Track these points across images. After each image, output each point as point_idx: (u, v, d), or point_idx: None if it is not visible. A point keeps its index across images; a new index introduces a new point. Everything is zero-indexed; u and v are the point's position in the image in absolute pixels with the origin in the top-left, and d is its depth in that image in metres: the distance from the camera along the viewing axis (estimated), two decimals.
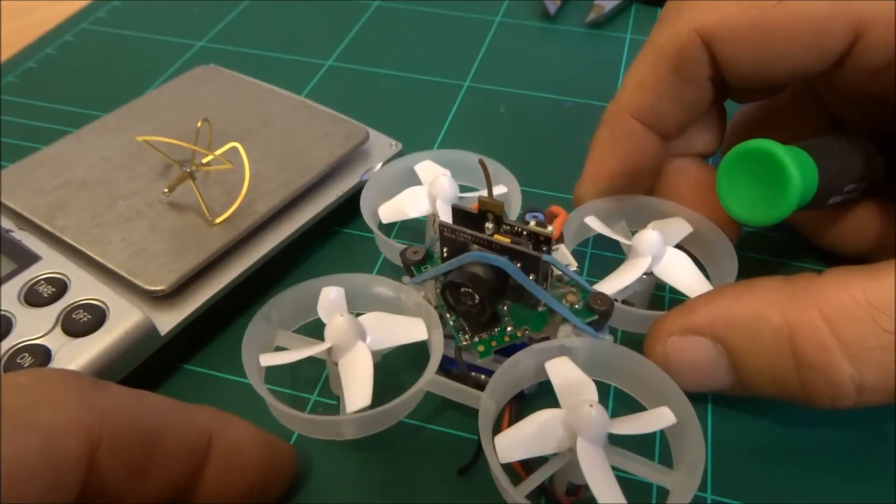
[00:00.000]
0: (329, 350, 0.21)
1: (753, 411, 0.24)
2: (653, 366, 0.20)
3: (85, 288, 0.25)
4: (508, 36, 0.44)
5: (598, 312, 0.21)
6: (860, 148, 0.24)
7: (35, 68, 0.41)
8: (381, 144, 0.33)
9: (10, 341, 0.23)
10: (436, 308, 0.22)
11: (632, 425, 0.19)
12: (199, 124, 0.30)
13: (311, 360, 0.21)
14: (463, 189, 0.27)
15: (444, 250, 0.22)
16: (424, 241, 0.27)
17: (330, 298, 0.22)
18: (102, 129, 0.31)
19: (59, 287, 0.25)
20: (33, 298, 0.24)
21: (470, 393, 0.20)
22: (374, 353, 0.21)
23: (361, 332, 0.21)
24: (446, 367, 0.23)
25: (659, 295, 0.28)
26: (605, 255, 0.29)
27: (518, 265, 0.20)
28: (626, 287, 0.23)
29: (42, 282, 0.25)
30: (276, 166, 0.29)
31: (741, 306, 0.21)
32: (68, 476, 0.15)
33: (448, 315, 0.22)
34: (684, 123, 0.26)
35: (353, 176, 0.31)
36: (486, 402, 0.19)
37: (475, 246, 0.21)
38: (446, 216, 0.24)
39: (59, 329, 0.23)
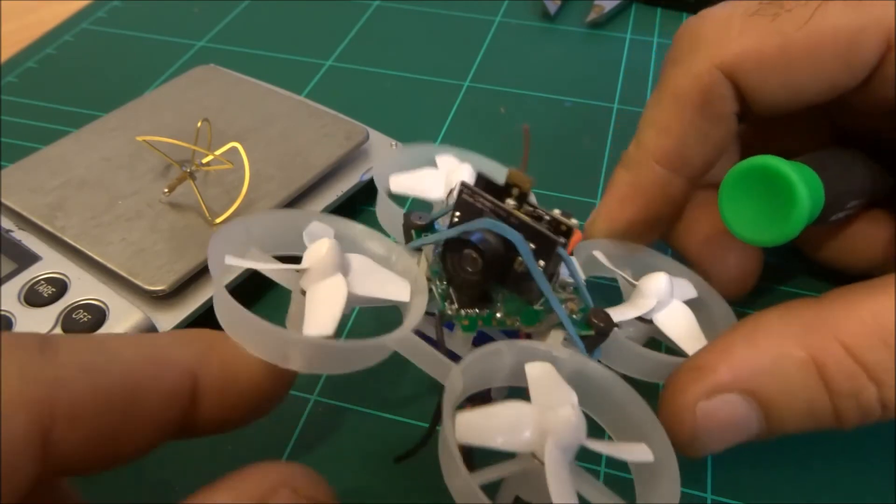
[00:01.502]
0: (303, 274, 0.18)
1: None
2: (643, 404, 0.19)
3: (85, 288, 0.25)
4: (508, 36, 0.44)
5: (595, 329, 0.19)
6: (861, 163, 0.24)
7: (35, 68, 0.41)
8: (381, 144, 0.33)
9: None
10: (429, 281, 0.20)
11: (606, 448, 0.17)
12: (198, 124, 0.30)
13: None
14: None
15: (457, 214, 0.20)
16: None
17: (317, 230, 0.20)
18: (102, 129, 0.31)
19: (59, 287, 0.25)
20: (33, 298, 0.24)
21: (441, 361, 0.18)
22: (351, 298, 0.18)
23: (344, 265, 0.19)
24: (423, 336, 0.20)
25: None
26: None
27: (532, 247, 0.19)
28: (623, 324, 0.22)
29: (42, 282, 0.25)
30: (276, 166, 0.29)
31: (760, 351, 0.20)
32: (17, 465, 0.14)
33: (438, 283, 0.20)
34: (711, 163, 0.24)
35: (353, 176, 0.31)
36: (456, 376, 0.17)
37: (492, 216, 0.19)
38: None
39: (59, 329, 0.24)
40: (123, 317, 0.24)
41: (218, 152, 0.29)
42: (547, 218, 0.20)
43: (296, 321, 0.19)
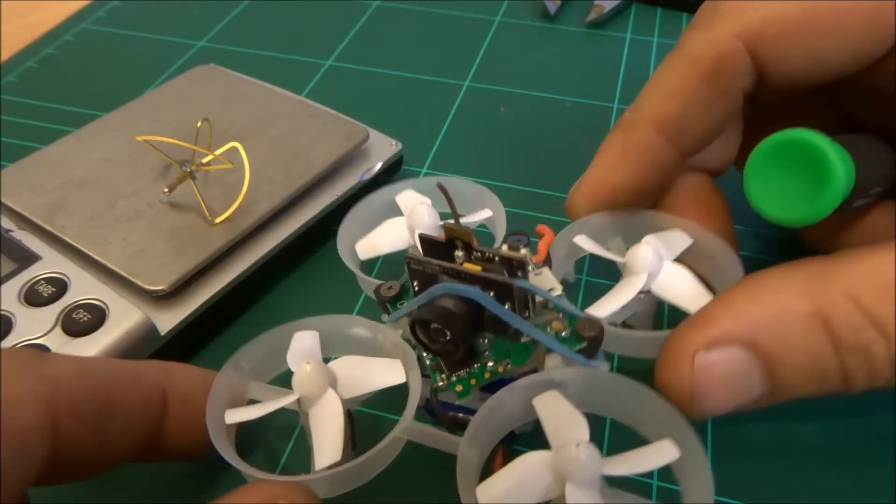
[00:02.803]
0: (298, 401, 0.19)
1: (753, 411, 0.24)
2: (654, 395, 0.18)
3: (85, 288, 0.25)
4: (508, 36, 0.44)
5: (587, 339, 0.19)
6: (886, 149, 0.23)
7: (35, 68, 0.41)
8: (381, 144, 0.32)
9: (10, 341, 0.23)
10: (414, 347, 0.20)
11: (629, 465, 0.17)
12: (198, 124, 0.30)
13: (285, 409, 0.20)
14: (446, 216, 0.24)
15: (415, 284, 0.20)
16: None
17: (302, 345, 0.20)
18: (102, 129, 0.31)
19: (59, 287, 0.25)
20: (33, 298, 0.24)
21: (450, 440, 0.18)
22: (349, 401, 0.20)
23: (331, 379, 0.20)
24: (431, 409, 0.21)
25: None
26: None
27: (491, 294, 0.19)
28: (624, 308, 0.21)
29: (42, 282, 0.25)
30: (276, 166, 0.29)
31: (763, 303, 0.19)
32: (33, 446, 0.16)
33: (424, 354, 0.20)
34: (708, 140, 0.24)
35: (353, 176, 0.31)
36: (466, 450, 0.18)
37: (445, 277, 0.19)
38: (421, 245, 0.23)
39: (59, 329, 0.23)
40: (123, 316, 0.24)
41: (218, 152, 0.29)
42: (497, 259, 0.19)
43: (309, 434, 0.20)
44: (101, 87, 0.40)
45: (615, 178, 0.24)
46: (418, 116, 0.38)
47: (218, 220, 0.27)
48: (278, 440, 0.24)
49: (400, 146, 0.33)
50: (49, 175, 0.29)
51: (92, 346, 0.23)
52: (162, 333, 0.24)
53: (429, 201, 0.25)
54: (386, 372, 0.20)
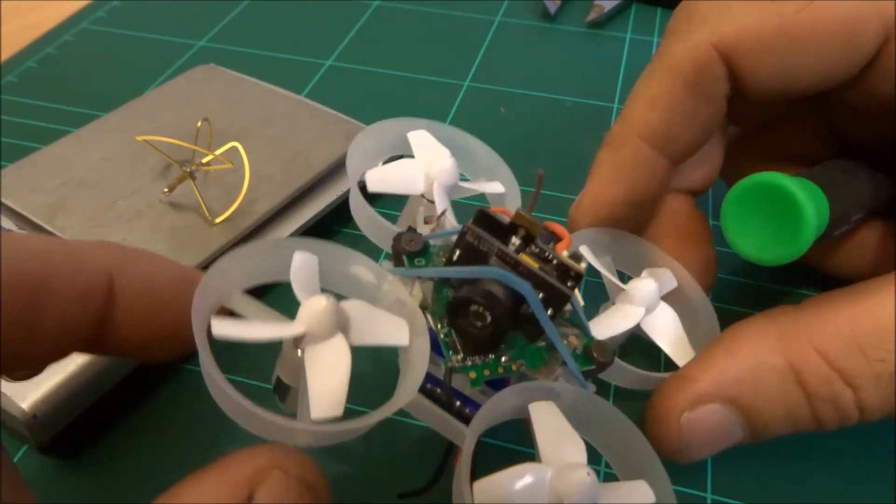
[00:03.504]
0: (300, 336, 0.17)
1: None
2: (637, 431, 0.19)
3: None
4: (508, 36, 0.44)
5: (596, 363, 0.19)
6: (865, 175, 0.24)
7: (35, 68, 0.41)
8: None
9: None
10: (423, 310, 0.19)
11: (618, 500, 0.17)
12: (199, 124, 0.30)
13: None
14: (464, 178, 0.24)
15: (457, 252, 0.19)
16: (400, 218, 0.24)
17: (302, 269, 0.18)
18: (102, 129, 0.31)
19: None
20: None
21: (454, 426, 0.18)
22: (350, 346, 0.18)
23: (344, 321, 0.18)
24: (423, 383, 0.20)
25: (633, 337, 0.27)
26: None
27: (540, 295, 0.18)
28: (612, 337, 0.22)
29: None
30: (276, 166, 0.29)
31: (740, 360, 0.20)
32: None
33: (439, 327, 0.19)
34: (696, 146, 0.24)
35: None
36: (471, 440, 0.17)
37: (496, 260, 0.18)
38: (440, 202, 0.22)
39: None
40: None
41: (218, 152, 0.29)
42: (555, 262, 0.19)
43: (288, 371, 0.18)
44: (101, 87, 0.40)
45: (611, 194, 0.24)
46: (418, 116, 0.38)
47: (218, 220, 0.27)
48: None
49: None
50: (49, 175, 0.29)
51: None
52: None
53: (448, 153, 0.23)
54: (393, 330, 0.18)
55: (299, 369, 0.17)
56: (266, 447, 0.16)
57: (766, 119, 0.27)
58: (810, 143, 0.27)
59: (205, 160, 0.29)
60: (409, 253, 0.20)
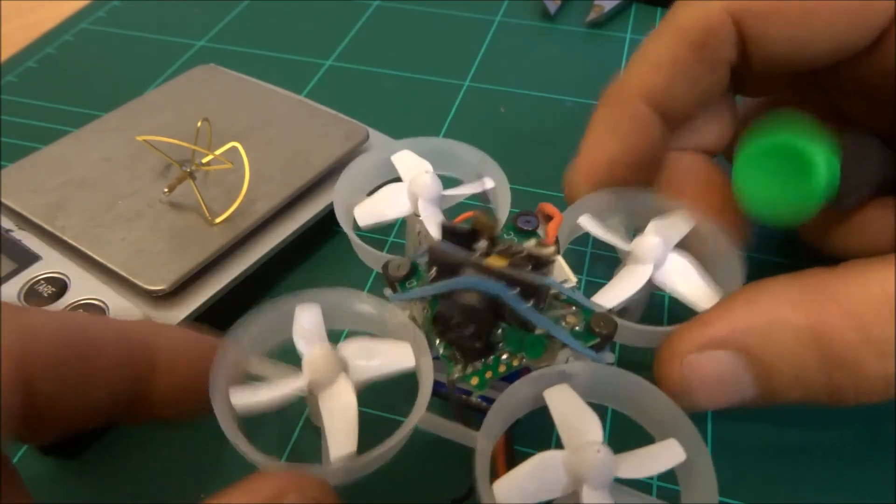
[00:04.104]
0: (308, 383, 0.19)
1: (753, 411, 0.24)
2: (657, 391, 0.19)
3: (85, 288, 0.25)
4: (508, 36, 0.44)
5: (600, 336, 0.19)
6: (878, 147, 0.23)
7: (35, 68, 0.41)
8: (381, 144, 0.32)
9: None
10: (422, 329, 0.20)
11: (639, 467, 0.17)
12: (199, 124, 0.30)
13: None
14: (446, 183, 0.24)
15: (433, 270, 0.20)
16: (405, 240, 0.25)
17: (305, 322, 0.20)
18: (102, 129, 0.31)
19: (59, 287, 0.25)
20: (33, 298, 0.24)
21: (465, 432, 0.19)
22: (357, 383, 0.19)
23: (343, 363, 0.19)
24: (435, 387, 0.21)
25: (658, 295, 0.28)
26: (607, 255, 0.29)
27: (516, 290, 0.19)
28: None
29: (42, 281, 0.25)
30: (276, 166, 0.29)
31: (758, 312, 0.20)
32: (6, 402, 0.15)
33: (437, 342, 0.20)
34: (693, 112, 0.24)
35: None
36: (483, 442, 0.18)
37: (468, 269, 0.19)
38: (429, 217, 0.23)
39: None
40: (123, 316, 0.24)
41: (218, 152, 0.29)
42: (523, 254, 0.19)
43: (315, 415, 0.20)
44: (101, 87, 0.40)
45: (608, 153, 0.24)
46: (418, 116, 0.38)
47: (218, 220, 0.27)
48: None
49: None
50: (49, 175, 0.29)
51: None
52: None
53: (429, 166, 0.24)
54: (397, 356, 0.20)
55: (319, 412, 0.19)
56: (286, 472, 0.17)
57: (770, 93, 0.27)
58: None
59: (205, 160, 0.29)
60: (398, 279, 0.21)
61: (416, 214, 0.23)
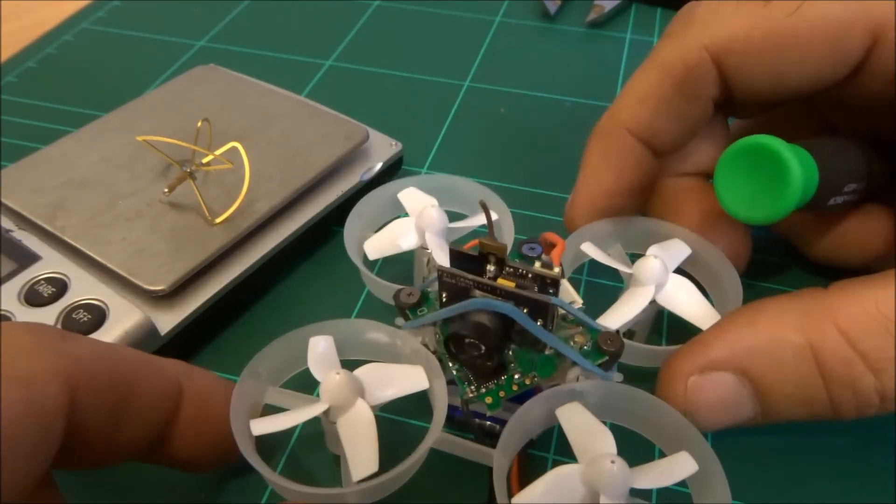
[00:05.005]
0: (326, 410, 0.19)
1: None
2: (668, 407, 0.19)
3: (85, 288, 0.25)
4: (508, 36, 0.44)
5: (608, 354, 0.20)
6: (856, 146, 0.24)
7: (35, 68, 0.41)
8: (381, 144, 0.32)
9: None
10: (435, 353, 0.21)
11: (653, 478, 0.18)
12: (199, 124, 0.30)
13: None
14: (451, 216, 0.25)
15: (444, 295, 0.21)
16: (413, 273, 0.26)
17: (319, 351, 0.21)
18: (102, 129, 0.31)
19: (59, 287, 0.25)
20: (33, 298, 0.24)
21: (481, 451, 0.19)
22: (374, 407, 0.20)
23: (359, 388, 0.20)
24: (449, 413, 0.21)
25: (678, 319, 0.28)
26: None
27: (525, 310, 0.19)
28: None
29: (42, 282, 0.25)
30: (276, 166, 0.29)
31: (757, 332, 0.20)
32: (52, 424, 0.16)
33: (450, 364, 0.20)
34: (679, 141, 0.25)
35: (353, 176, 0.31)
36: (500, 460, 0.18)
37: (477, 291, 0.20)
38: (437, 249, 0.24)
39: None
40: (123, 317, 0.24)
41: (218, 152, 0.29)
42: (530, 276, 0.20)
43: (332, 442, 0.21)
44: (101, 87, 0.40)
45: (603, 184, 0.25)
46: (418, 116, 0.38)
47: (218, 220, 0.27)
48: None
49: (400, 146, 0.33)
50: (49, 175, 0.29)
51: (87, 337, 0.23)
52: (162, 333, 0.24)
53: (435, 201, 0.25)
54: (410, 378, 0.20)
55: (338, 439, 0.19)
56: (307, 497, 0.18)
57: (760, 114, 0.27)
58: (804, 134, 0.27)
59: (205, 160, 0.29)
60: (409, 306, 0.21)
61: (423, 247, 0.24)
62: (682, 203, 0.26)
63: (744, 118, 0.28)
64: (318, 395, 0.20)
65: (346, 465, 0.19)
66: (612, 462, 0.17)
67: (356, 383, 0.19)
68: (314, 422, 0.20)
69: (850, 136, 0.25)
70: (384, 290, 0.24)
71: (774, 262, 0.29)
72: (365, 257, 0.25)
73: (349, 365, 0.20)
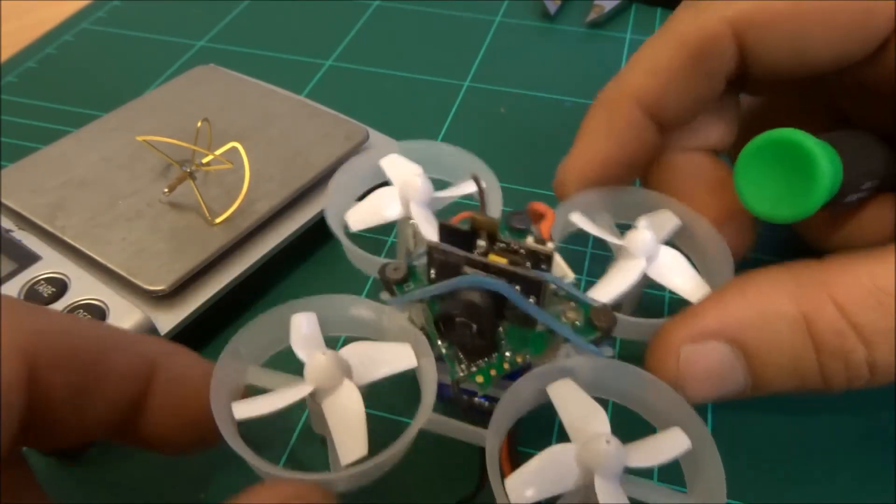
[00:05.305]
0: (312, 392, 0.19)
1: (753, 411, 0.24)
2: (660, 383, 0.19)
3: (85, 288, 0.25)
4: (508, 36, 0.44)
5: (600, 329, 0.20)
6: (877, 144, 0.24)
7: (35, 68, 0.41)
8: (381, 144, 0.32)
9: None
10: (422, 330, 0.20)
11: (647, 456, 0.18)
12: (199, 124, 0.30)
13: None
14: (435, 185, 0.24)
15: (432, 271, 0.20)
16: (396, 245, 0.25)
17: (303, 330, 0.20)
18: (102, 129, 0.31)
19: (59, 287, 0.25)
20: (33, 298, 0.24)
21: (472, 431, 0.19)
22: (361, 387, 0.19)
23: (346, 368, 0.19)
24: (439, 391, 0.20)
25: (655, 294, 0.28)
26: (605, 255, 0.29)
27: (517, 288, 0.19)
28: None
29: (42, 282, 0.25)
30: (276, 166, 0.29)
31: (751, 303, 0.20)
32: (11, 399, 0.15)
33: (440, 342, 0.20)
34: (687, 117, 0.24)
35: None
36: (492, 440, 0.18)
37: (468, 268, 0.19)
38: (423, 220, 0.23)
39: None
40: (123, 317, 0.24)
41: (218, 152, 0.29)
42: (522, 252, 0.19)
43: (317, 423, 0.20)
44: (101, 87, 0.40)
45: (601, 153, 0.24)
46: (418, 116, 0.38)
47: (218, 220, 0.27)
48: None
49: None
50: (49, 175, 0.29)
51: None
52: (162, 333, 0.24)
53: (419, 169, 0.24)
54: (398, 357, 0.20)
55: (325, 420, 0.19)
56: (288, 481, 0.17)
57: (773, 92, 0.27)
58: (819, 122, 0.27)
59: (205, 160, 0.29)
60: (396, 282, 0.21)
61: (407, 218, 0.23)
62: (689, 182, 0.26)
63: (755, 94, 0.27)
64: (302, 376, 0.19)
65: (334, 449, 0.18)
66: (608, 442, 0.17)
67: (342, 364, 0.19)
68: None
69: (867, 129, 0.24)
70: (368, 263, 0.23)
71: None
72: (347, 230, 0.24)
73: (333, 343, 0.20)
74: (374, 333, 0.21)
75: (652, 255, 0.22)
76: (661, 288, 0.23)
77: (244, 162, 0.28)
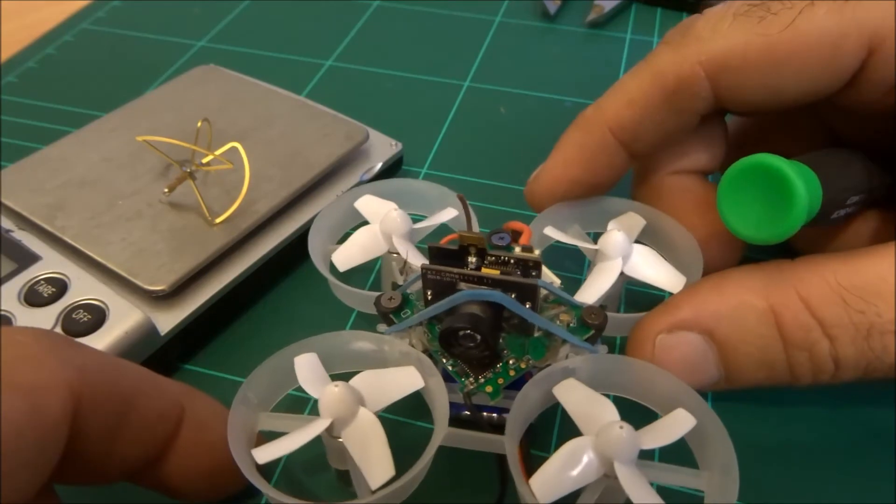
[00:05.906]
0: (329, 426, 0.19)
1: (752, 411, 0.24)
2: (656, 369, 0.20)
3: (85, 288, 0.25)
4: (508, 36, 0.44)
5: (593, 327, 0.21)
6: (858, 159, 0.24)
7: (35, 68, 0.41)
8: (381, 144, 0.33)
9: None
10: (426, 353, 0.21)
11: (657, 437, 0.18)
12: (198, 124, 0.30)
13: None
14: (415, 219, 0.25)
15: (429, 293, 0.21)
16: (381, 280, 0.26)
17: (308, 370, 0.20)
18: (102, 129, 0.31)
19: (59, 287, 0.25)
20: (33, 298, 0.24)
21: (491, 440, 0.19)
22: (374, 413, 0.20)
23: (359, 397, 0.19)
24: (453, 412, 0.21)
25: (638, 291, 0.28)
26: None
27: (512, 296, 0.20)
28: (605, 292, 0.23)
29: (42, 282, 0.25)
30: (276, 166, 0.29)
31: (724, 297, 0.21)
32: (54, 434, 0.15)
33: (444, 360, 0.21)
34: (656, 148, 0.25)
35: (353, 176, 0.31)
36: (511, 445, 0.18)
37: (463, 284, 0.20)
38: (408, 252, 0.24)
39: (59, 329, 0.23)
40: (123, 317, 0.24)
41: (218, 152, 0.29)
42: (512, 261, 0.20)
43: (336, 458, 0.20)
44: (101, 87, 0.40)
45: (571, 174, 0.26)
46: (418, 116, 0.38)
47: (218, 220, 0.27)
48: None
49: (400, 146, 0.33)
50: (49, 175, 0.29)
51: (92, 347, 0.23)
52: (162, 333, 0.24)
53: (394, 205, 0.25)
54: (404, 380, 0.20)
55: (343, 453, 0.19)
56: None
57: (768, 119, 0.28)
58: (811, 142, 0.27)
59: (205, 160, 0.29)
60: (392, 310, 0.21)
61: (390, 251, 0.24)
62: (680, 203, 0.26)
63: (741, 116, 0.29)
64: (310, 414, 0.19)
65: (360, 477, 0.18)
66: (621, 427, 0.17)
67: (355, 393, 0.19)
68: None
69: (849, 146, 0.25)
70: (357, 298, 0.24)
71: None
72: (333, 269, 0.25)
73: (337, 379, 0.20)
74: (376, 364, 0.21)
75: (626, 253, 0.24)
76: (642, 284, 0.24)
77: (244, 162, 0.28)
